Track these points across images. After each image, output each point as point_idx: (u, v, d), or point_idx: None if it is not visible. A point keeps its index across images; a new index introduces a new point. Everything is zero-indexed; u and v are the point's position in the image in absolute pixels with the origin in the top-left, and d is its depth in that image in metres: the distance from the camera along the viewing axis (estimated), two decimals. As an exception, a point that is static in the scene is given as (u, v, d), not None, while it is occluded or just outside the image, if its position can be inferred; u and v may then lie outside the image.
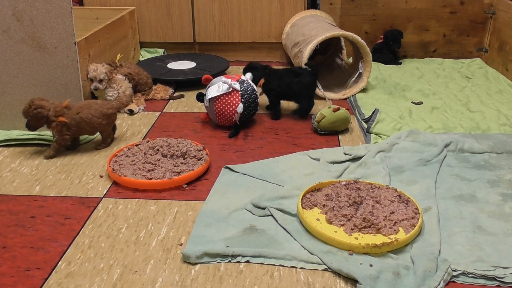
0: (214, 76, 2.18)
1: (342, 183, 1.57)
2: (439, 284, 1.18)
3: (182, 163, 1.73)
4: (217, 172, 1.72)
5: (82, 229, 1.43)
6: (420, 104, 2.31)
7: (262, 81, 2.17)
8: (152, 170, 1.68)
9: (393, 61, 2.90)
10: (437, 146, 1.83)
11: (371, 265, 1.24)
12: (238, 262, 1.29)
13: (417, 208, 1.44)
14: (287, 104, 2.33)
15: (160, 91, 2.44)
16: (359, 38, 2.35)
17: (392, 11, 2.94)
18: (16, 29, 1.89)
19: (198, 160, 1.75)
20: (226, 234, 1.38)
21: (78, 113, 1.80)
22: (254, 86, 2.06)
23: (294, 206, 1.49)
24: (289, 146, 1.93)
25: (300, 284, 1.22)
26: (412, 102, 2.32)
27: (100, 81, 2.15)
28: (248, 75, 2.08)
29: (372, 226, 1.37)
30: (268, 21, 2.93)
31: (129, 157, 1.77)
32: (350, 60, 2.73)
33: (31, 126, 1.78)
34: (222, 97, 2.00)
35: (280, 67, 2.35)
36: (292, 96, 2.18)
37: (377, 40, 2.94)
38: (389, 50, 2.89)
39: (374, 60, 2.81)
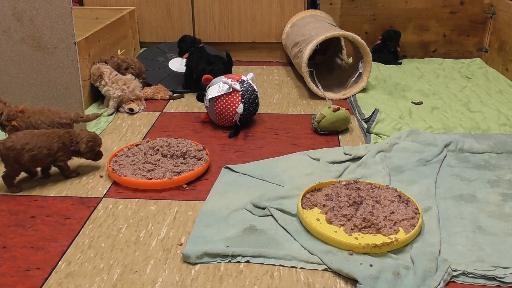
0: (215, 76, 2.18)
1: (342, 183, 1.57)
2: (439, 284, 1.18)
3: (182, 163, 1.73)
4: (217, 172, 1.72)
5: (82, 229, 1.43)
6: (420, 104, 2.31)
7: (186, 55, 2.42)
8: (152, 170, 1.69)
9: (393, 61, 2.90)
10: (437, 146, 1.83)
11: (371, 265, 1.24)
12: (238, 262, 1.29)
13: (417, 208, 1.44)
14: (284, 101, 2.33)
15: (160, 91, 2.44)
16: (359, 38, 2.35)
17: (392, 11, 2.94)
18: (16, 29, 1.89)
19: (198, 160, 1.75)
20: (226, 234, 1.38)
21: (29, 117, 1.74)
22: (255, 86, 2.07)
23: (294, 206, 1.49)
24: (289, 146, 1.93)
25: (300, 284, 1.22)
26: (412, 102, 2.32)
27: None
28: (250, 75, 2.08)
29: (372, 226, 1.37)
30: (268, 21, 2.93)
31: (129, 157, 1.77)
32: (350, 60, 2.73)
33: None
34: (222, 97, 2.00)
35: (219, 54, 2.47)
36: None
37: (377, 41, 2.94)
38: (387, 50, 2.89)
39: (374, 60, 2.81)
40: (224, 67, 2.31)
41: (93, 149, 1.69)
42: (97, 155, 1.73)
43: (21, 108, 1.76)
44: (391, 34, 2.86)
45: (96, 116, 1.84)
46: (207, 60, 2.35)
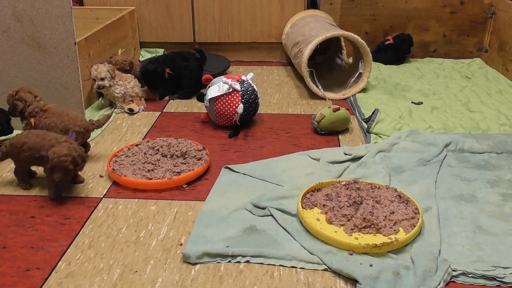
0: (215, 76, 2.18)
1: (342, 183, 1.57)
2: (439, 284, 1.18)
3: (182, 163, 1.73)
4: (217, 172, 1.72)
5: (82, 229, 1.43)
6: (420, 104, 2.31)
7: (168, 70, 2.33)
8: (152, 170, 1.69)
9: (397, 61, 2.88)
10: (437, 146, 1.83)
11: (371, 265, 1.24)
12: (238, 262, 1.29)
13: (417, 208, 1.44)
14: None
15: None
16: (359, 38, 2.35)
17: (392, 11, 2.94)
18: (16, 29, 1.89)
19: (198, 160, 1.75)
20: (226, 234, 1.38)
21: (46, 117, 1.74)
22: (255, 86, 2.07)
23: (294, 206, 1.49)
24: (289, 146, 1.93)
25: (300, 284, 1.22)
26: (412, 102, 2.32)
27: (102, 79, 2.16)
28: (250, 75, 2.08)
29: (372, 226, 1.37)
30: (268, 21, 2.93)
31: (129, 157, 1.77)
32: (350, 60, 2.73)
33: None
34: (222, 97, 2.00)
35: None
36: (181, 79, 2.37)
37: (382, 41, 2.92)
38: (396, 53, 2.88)
39: (375, 60, 2.81)
40: (199, 65, 2.38)
41: (62, 167, 1.49)
42: (70, 178, 1.56)
43: (47, 107, 1.77)
44: (407, 39, 2.86)
45: (108, 117, 1.82)
46: (181, 56, 2.38)
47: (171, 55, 2.41)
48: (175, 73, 2.35)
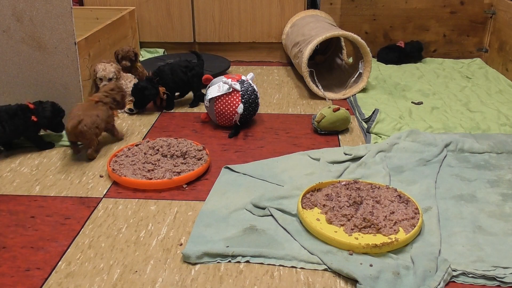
0: (215, 76, 2.18)
1: (342, 183, 1.57)
2: (439, 284, 1.18)
3: (182, 163, 1.73)
4: (217, 172, 1.72)
5: (82, 229, 1.43)
6: (420, 104, 2.31)
7: (163, 90, 2.22)
8: (152, 170, 1.69)
9: (398, 63, 2.89)
10: (437, 146, 1.83)
11: (371, 265, 1.24)
12: (238, 262, 1.29)
13: (417, 208, 1.44)
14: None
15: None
16: (359, 38, 2.35)
17: (392, 11, 2.94)
18: (16, 29, 1.89)
19: (198, 160, 1.75)
20: (226, 234, 1.38)
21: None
22: (255, 86, 2.07)
23: (294, 206, 1.49)
24: (289, 146, 1.93)
25: (300, 284, 1.22)
26: (412, 102, 2.32)
27: (109, 80, 2.16)
28: (250, 75, 2.08)
29: (372, 226, 1.37)
30: (268, 21, 2.93)
31: (129, 157, 1.77)
32: (350, 60, 2.73)
33: None
34: (222, 97, 2.00)
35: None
36: (188, 88, 2.33)
37: (397, 43, 2.94)
38: (406, 57, 2.89)
39: (382, 55, 2.87)
40: (202, 69, 2.31)
41: None
42: None
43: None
44: (415, 46, 2.87)
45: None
46: (184, 67, 2.26)
47: (170, 67, 2.24)
48: (182, 84, 2.26)
